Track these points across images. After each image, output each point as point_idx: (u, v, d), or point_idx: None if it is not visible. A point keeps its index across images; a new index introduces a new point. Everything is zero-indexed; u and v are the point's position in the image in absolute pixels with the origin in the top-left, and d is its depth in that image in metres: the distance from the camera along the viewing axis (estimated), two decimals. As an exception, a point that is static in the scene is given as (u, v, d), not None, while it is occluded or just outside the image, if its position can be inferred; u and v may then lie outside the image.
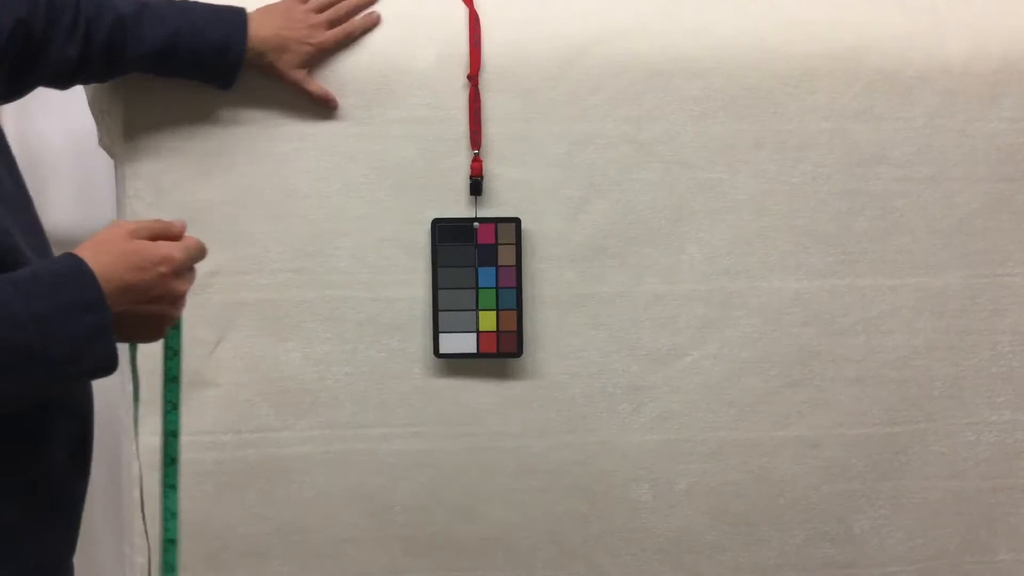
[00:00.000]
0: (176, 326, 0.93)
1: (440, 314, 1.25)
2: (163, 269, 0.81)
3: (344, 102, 1.24)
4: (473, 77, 1.23)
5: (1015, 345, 1.33)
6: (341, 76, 1.23)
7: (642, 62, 1.25)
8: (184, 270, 0.84)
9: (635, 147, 1.26)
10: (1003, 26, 1.29)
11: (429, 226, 1.25)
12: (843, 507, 1.33)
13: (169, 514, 0.99)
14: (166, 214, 1.24)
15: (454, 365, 1.28)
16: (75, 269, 0.78)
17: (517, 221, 1.25)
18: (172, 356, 0.95)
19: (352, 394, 1.28)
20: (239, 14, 1.17)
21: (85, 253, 0.79)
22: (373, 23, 1.24)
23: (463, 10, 1.24)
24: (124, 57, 1.14)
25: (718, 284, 1.29)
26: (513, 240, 1.25)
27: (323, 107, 1.23)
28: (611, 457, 1.30)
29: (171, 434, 0.96)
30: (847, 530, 1.33)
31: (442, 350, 1.25)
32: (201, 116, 1.24)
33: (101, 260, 0.79)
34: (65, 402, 0.89)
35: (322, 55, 1.22)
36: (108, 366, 0.79)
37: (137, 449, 1.04)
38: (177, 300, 0.84)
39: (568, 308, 1.28)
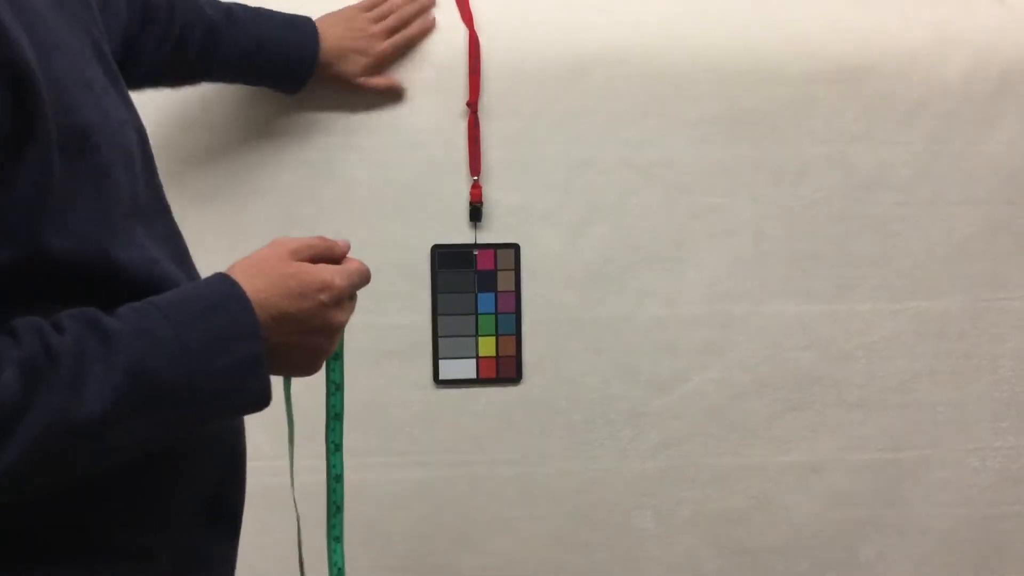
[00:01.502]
0: (338, 357, 0.84)
1: (440, 340, 1.24)
2: (323, 297, 0.72)
3: (343, 129, 1.24)
4: (472, 104, 1.23)
5: (1017, 370, 1.32)
6: (341, 102, 1.23)
7: (641, 86, 1.25)
8: (344, 299, 0.75)
9: (634, 171, 1.26)
10: (1002, 44, 1.29)
11: (428, 252, 1.24)
12: (848, 534, 1.31)
13: (336, 570, 0.90)
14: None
15: (454, 391, 1.26)
16: (227, 294, 0.69)
17: (516, 247, 1.24)
18: (335, 391, 0.86)
19: (351, 422, 1.25)
20: (311, 24, 1.17)
21: (239, 274, 0.71)
22: (429, 27, 1.24)
23: (463, 34, 1.24)
24: (211, 63, 1.12)
25: (718, 308, 1.28)
26: (512, 266, 1.24)
27: (391, 96, 1.23)
28: (613, 484, 1.29)
29: (335, 479, 0.87)
30: (852, 558, 1.31)
31: (442, 376, 1.24)
32: (200, 145, 1.23)
33: (256, 284, 0.70)
34: (200, 442, 0.78)
35: (382, 64, 1.22)
36: (260, 402, 0.70)
37: (295, 498, 0.90)
38: (335, 332, 0.75)
39: (568, 333, 1.27)
